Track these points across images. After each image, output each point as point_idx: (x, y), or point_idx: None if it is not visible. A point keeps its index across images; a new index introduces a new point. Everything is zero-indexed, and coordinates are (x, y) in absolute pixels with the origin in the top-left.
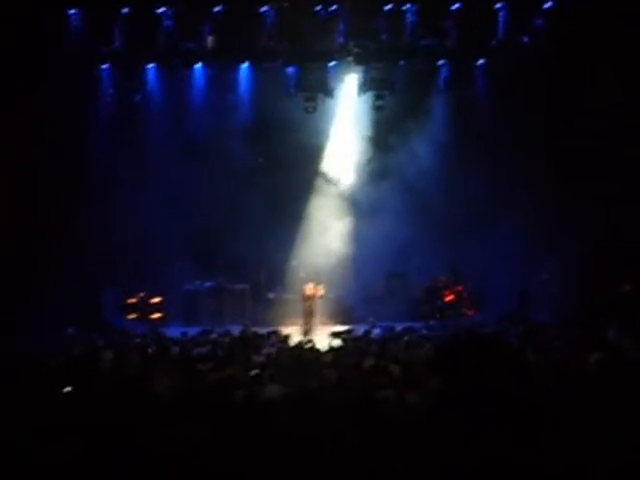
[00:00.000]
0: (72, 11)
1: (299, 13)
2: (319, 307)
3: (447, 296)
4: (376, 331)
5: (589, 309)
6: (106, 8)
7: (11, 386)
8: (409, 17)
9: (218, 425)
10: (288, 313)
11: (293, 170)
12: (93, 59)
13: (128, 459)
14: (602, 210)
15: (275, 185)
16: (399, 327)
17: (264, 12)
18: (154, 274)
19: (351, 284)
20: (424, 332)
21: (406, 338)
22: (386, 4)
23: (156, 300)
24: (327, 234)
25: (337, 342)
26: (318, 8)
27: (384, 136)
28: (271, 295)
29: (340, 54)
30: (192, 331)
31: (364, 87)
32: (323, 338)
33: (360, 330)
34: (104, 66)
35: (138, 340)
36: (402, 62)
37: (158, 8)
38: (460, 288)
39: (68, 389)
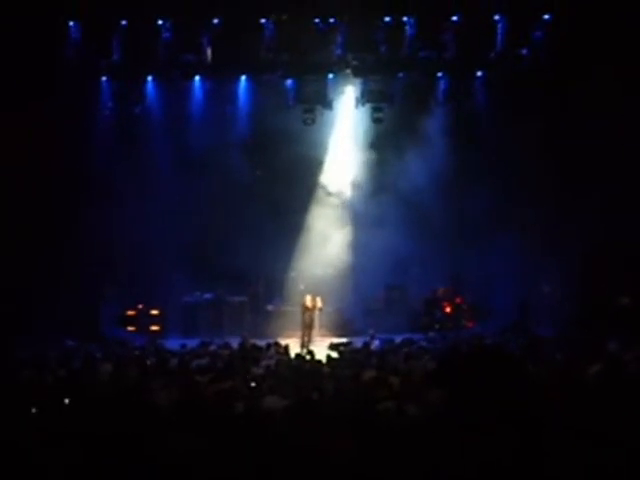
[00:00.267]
0: (71, 24)
1: (298, 25)
2: (318, 319)
3: (446, 307)
4: (375, 343)
5: (589, 321)
6: (105, 21)
7: (12, 395)
8: (408, 29)
9: (217, 437)
10: (287, 325)
11: (291, 182)
12: (92, 72)
13: (127, 471)
14: (601, 222)
15: (274, 197)
16: (398, 339)
17: (263, 24)
18: (153, 286)
19: (350, 296)
20: (423, 344)
21: (405, 350)
22: (385, 16)
23: (155, 312)
24: (326, 246)
25: (334, 354)
26: (317, 20)
27: (383, 148)
28: (270, 307)
29: (339, 66)
30: (191, 343)
31: (362, 99)
32: (322, 350)
33: (359, 342)
34: (103, 78)
35: (137, 352)
36: (401, 74)
37: (157, 20)
38: (459, 300)
39: (66, 401)
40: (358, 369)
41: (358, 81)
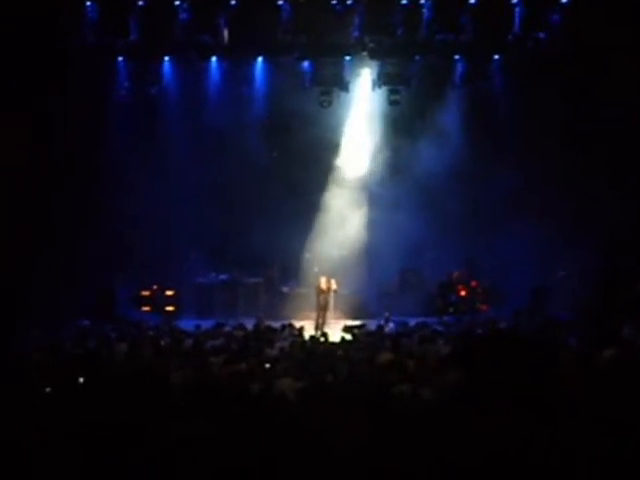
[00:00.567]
0: (88, 3)
1: (315, 7)
2: (333, 301)
3: (461, 291)
4: (390, 326)
5: (605, 306)
6: (122, 1)
7: (26, 375)
8: (425, 12)
9: (231, 418)
10: (302, 307)
11: (308, 164)
12: (109, 52)
13: (142, 452)
14: (620, 207)
15: (290, 179)
16: (413, 322)
17: (280, 6)
18: (168, 267)
19: (365, 279)
20: (438, 327)
21: (419, 333)
22: None
23: (170, 293)
24: (341, 228)
25: (348, 336)
26: (334, 2)
27: (399, 131)
28: (285, 289)
29: (355, 49)
30: (205, 324)
31: (379, 82)
32: (336, 332)
33: (373, 325)
34: (120, 59)
35: (151, 332)
36: (418, 57)
37: (174, 1)
38: (474, 283)
39: (81, 380)
40: (372, 352)
41: (375, 63)
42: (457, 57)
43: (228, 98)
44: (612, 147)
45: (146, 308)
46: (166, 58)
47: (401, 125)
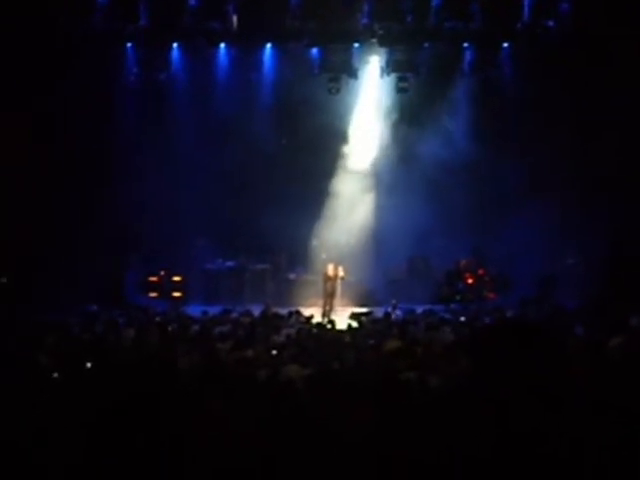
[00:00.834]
0: None
1: None
2: (340, 288)
3: (468, 279)
4: (397, 313)
5: (612, 294)
6: None
7: (34, 360)
8: None
9: (237, 404)
10: (309, 294)
11: (316, 151)
12: (118, 38)
13: (149, 436)
14: (627, 196)
15: (298, 166)
16: (420, 310)
17: None
18: (176, 253)
19: (372, 266)
20: (445, 315)
21: (426, 321)
22: None
23: (177, 278)
24: (349, 215)
25: (355, 324)
26: None
27: (407, 118)
28: (292, 275)
29: (364, 35)
30: (212, 310)
31: (388, 69)
32: (343, 319)
33: (380, 312)
34: (128, 45)
35: (159, 318)
36: (426, 44)
37: None
38: (481, 271)
39: (88, 365)
40: (379, 339)
41: (384, 50)
42: (466, 45)
43: (236, 85)
44: (621, 136)
45: (154, 294)
46: (175, 44)
47: (409, 112)
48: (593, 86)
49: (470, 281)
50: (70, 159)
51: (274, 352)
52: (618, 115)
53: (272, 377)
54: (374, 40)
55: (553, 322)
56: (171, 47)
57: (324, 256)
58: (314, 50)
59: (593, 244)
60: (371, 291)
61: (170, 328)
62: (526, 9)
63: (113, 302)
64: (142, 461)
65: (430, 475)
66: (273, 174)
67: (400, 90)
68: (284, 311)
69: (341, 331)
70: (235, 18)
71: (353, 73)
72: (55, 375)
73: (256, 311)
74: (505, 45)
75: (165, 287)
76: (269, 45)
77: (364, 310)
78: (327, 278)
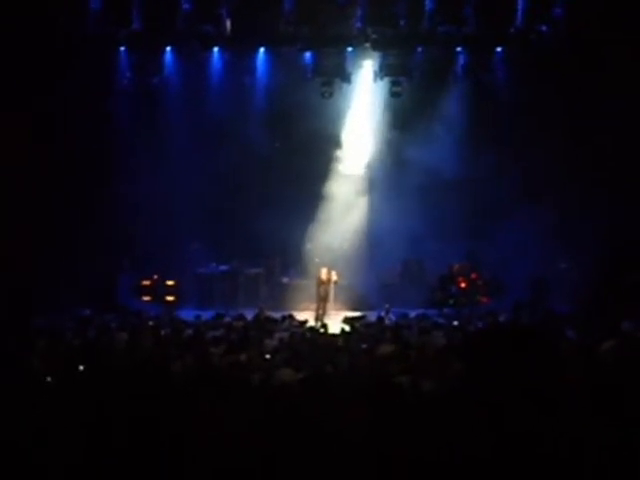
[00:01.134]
0: None
1: None
2: (333, 292)
3: (461, 283)
4: (390, 317)
5: (605, 298)
6: None
7: (28, 364)
8: (427, 3)
9: (231, 408)
10: (302, 298)
11: (309, 154)
12: (111, 42)
13: (142, 441)
14: (620, 200)
15: (291, 169)
16: (413, 314)
17: None
18: (169, 256)
19: (365, 270)
20: (438, 320)
21: (419, 325)
22: None
23: (170, 283)
24: (342, 219)
25: (348, 328)
26: None
27: (401, 122)
28: (285, 279)
29: (358, 40)
30: (206, 314)
31: (381, 73)
32: (336, 323)
33: (373, 316)
34: (122, 49)
35: (152, 322)
36: (420, 48)
37: None
38: (474, 275)
39: (81, 368)
40: (372, 343)
41: (377, 55)
42: (459, 49)
43: (230, 88)
44: (614, 141)
45: (147, 298)
46: (168, 48)
47: (402, 116)
48: (586, 91)
49: (463, 285)
50: (63, 164)
51: (267, 356)
52: (611, 120)
53: (265, 381)
54: (367, 44)
55: (546, 326)
56: (164, 51)
57: (317, 260)
58: (307, 54)
59: (585, 248)
60: (364, 295)
61: (163, 332)
62: (519, 14)
63: (106, 306)
64: (134, 465)
65: (424, 477)
66: (266, 178)
67: (393, 94)
68: (277, 315)
69: (334, 335)
70: (228, 22)
71: (346, 77)
72: (48, 379)
73: (249, 315)
74: (498, 49)
75: (158, 291)
76: (262, 49)
77: (357, 314)
78: (320, 282)
